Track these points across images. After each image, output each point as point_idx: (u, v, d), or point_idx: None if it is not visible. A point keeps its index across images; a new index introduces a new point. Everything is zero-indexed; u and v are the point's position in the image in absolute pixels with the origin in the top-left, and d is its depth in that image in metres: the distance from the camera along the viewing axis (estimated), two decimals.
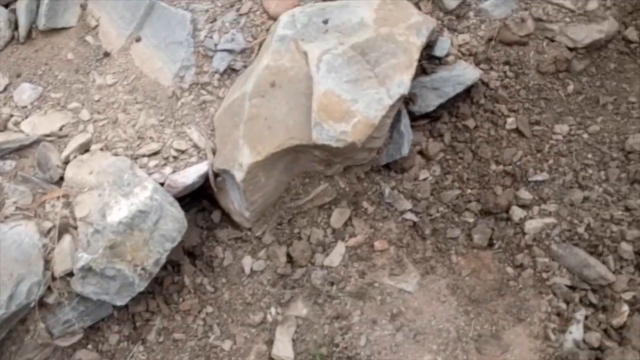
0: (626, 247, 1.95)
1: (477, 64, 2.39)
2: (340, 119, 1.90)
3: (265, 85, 2.03)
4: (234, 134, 2.03)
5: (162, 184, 2.09)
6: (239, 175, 1.98)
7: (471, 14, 2.45)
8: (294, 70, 2.01)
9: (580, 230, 2.07)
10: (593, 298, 1.99)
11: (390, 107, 1.97)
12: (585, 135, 2.32)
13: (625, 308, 1.93)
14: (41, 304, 1.96)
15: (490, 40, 2.43)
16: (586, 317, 1.98)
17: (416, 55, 2.04)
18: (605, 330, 1.97)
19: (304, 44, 2.05)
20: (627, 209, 2.06)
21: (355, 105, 1.92)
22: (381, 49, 2.03)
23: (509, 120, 2.37)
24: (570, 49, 2.38)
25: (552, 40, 2.40)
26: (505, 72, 2.43)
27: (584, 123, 2.35)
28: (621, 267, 1.96)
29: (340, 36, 2.07)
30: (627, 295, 1.94)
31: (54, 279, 1.96)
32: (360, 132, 1.90)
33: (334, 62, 1.99)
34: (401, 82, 1.99)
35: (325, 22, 2.12)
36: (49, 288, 1.97)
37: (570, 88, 2.41)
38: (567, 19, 2.38)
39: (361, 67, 2.00)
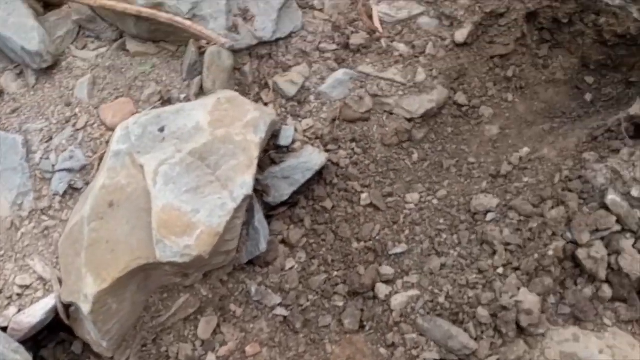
0: (483, 312, 2.01)
1: (325, 146, 2.44)
2: (182, 233, 1.85)
3: (103, 207, 1.94)
4: (77, 262, 1.92)
5: (5, 329, 1.93)
6: (86, 308, 1.86)
7: (312, 98, 2.51)
8: (132, 187, 1.95)
9: (442, 299, 2.11)
10: None
11: (236, 210, 1.94)
12: (435, 201, 2.40)
13: None
14: None
15: (334, 120, 2.50)
16: None
17: (256, 153, 2.04)
18: None
19: (140, 156, 2.00)
20: (480, 271, 2.14)
21: (196, 215, 1.88)
22: (219, 151, 2.02)
23: (363, 195, 2.41)
24: (409, 120, 2.49)
25: (391, 114, 2.50)
26: (353, 149, 2.49)
27: (433, 188, 2.45)
28: (482, 332, 2.01)
29: (178, 143, 2.04)
30: None
31: None
32: (205, 243, 1.85)
33: (171, 173, 1.94)
34: (244, 183, 1.98)
35: (162, 130, 2.09)
36: None
37: (415, 156, 2.51)
38: (401, 92, 2.50)
39: (201, 173, 1.97)
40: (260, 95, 2.50)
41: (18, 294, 2.02)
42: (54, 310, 2.00)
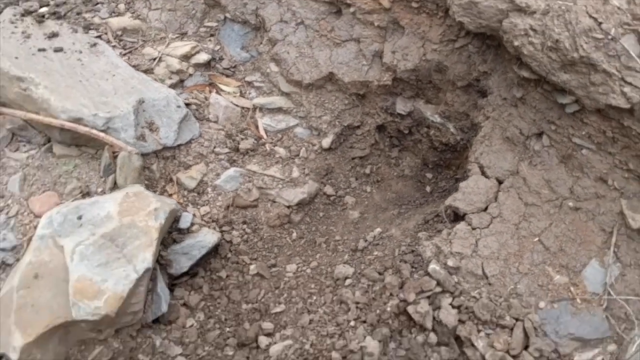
0: (335, 355, 2.57)
1: (221, 227, 3.01)
2: (93, 297, 2.34)
3: (29, 278, 2.42)
4: (7, 322, 2.35)
5: None
6: (14, 356, 2.28)
7: (209, 189, 3.12)
8: (54, 263, 2.44)
9: (307, 346, 2.66)
10: None
11: (138, 280, 2.46)
12: (309, 270, 3.00)
13: None
14: None
15: (228, 207, 3.10)
16: None
17: (155, 235, 2.59)
18: None
19: (61, 239, 2.50)
20: (337, 324, 2.71)
21: (105, 284, 2.39)
22: (126, 234, 2.55)
23: (252, 267, 2.98)
24: (288, 207, 3.13)
25: (274, 202, 3.14)
26: (244, 229, 3.08)
27: (307, 260, 3.05)
28: None
29: (92, 228, 2.56)
30: None
31: None
32: (111, 305, 2.35)
33: (86, 251, 2.46)
34: (144, 259, 2.51)
35: (80, 217, 2.61)
36: None
37: (294, 235, 3.13)
38: (280, 185, 3.15)
39: (111, 251, 2.49)
40: (166, 188, 3.07)
41: None
42: None
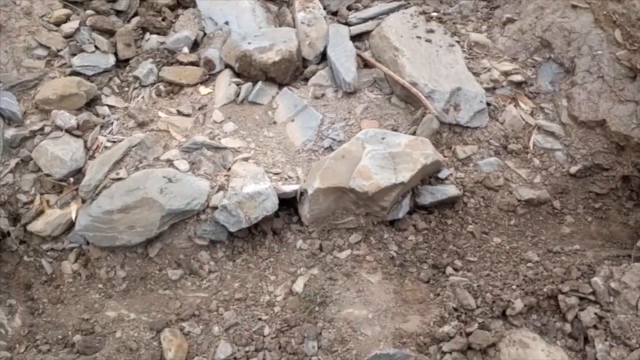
0: (489, 296, 3.49)
1: (464, 191, 4.14)
2: (366, 179, 3.79)
3: (339, 156, 3.99)
4: (315, 174, 3.98)
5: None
6: (310, 191, 3.90)
7: (471, 165, 4.24)
8: (355, 153, 3.95)
9: (475, 285, 3.64)
10: None
11: (394, 185, 3.79)
12: (507, 247, 3.92)
13: None
14: (198, 217, 3.97)
15: (477, 182, 4.19)
16: None
17: (419, 167, 3.88)
18: None
19: (366, 143, 4.00)
20: (505, 284, 3.61)
21: (376, 175, 3.80)
22: (402, 158, 3.91)
23: (470, 226, 4.04)
24: (518, 200, 4.07)
25: (511, 193, 4.10)
26: (479, 201, 4.13)
27: (498, 244, 3.96)
28: None
29: (386, 146, 3.99)
30: None
31: (208, 207, 3.97)
32: (371, 187, 3.75)
33: (375, 155, 3.90)
34: (404, 176, 3.83)
35: (383, 138, 4.07)
36: (203, 211, 3.98)
37: (512, 222, 4.07)
38: (521, 184, 4.10)
39: (388, 162, 3.89)
40: (444, 152, 4.32)
41: (286, 178, 4.14)
42: (295, 191, 4.08)
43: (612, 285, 3.31)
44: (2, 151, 4.21)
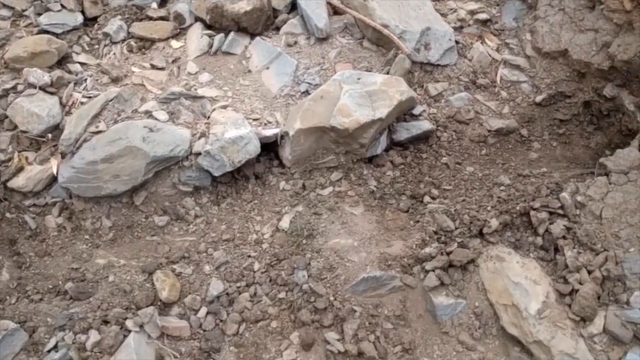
0: (466, 218, 3.70)
1: (437, 125, 4.31)
2: (346, 116, 3.91)
3: (317, 97, 4.10)
4: (295, 115, 4.08)
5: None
6: (291, 133, 4.00)
7: (442, 100, 4.41)
8: (333, 93, 4.07)
9: (452, 209, 3.84)
10: None
11: (373, 121, 3.93)
12: (480, 175, 4.12)
13: None
14: (182, 164, 4.03)
15: (449, 117, 4.36)
16: None
17: (395, 103, 4.01)
18: None
19: (343, 84, 4.11)
20: (480, 206, 3.82)
21: (355, 113, 3.93)
22: (378, 95, 4.04)
23: (444, 159, 4.22)
24: (488, 130, 4.26)
25: (481, 125, 4.29)
26: (452, 135, 4.31)
27: (481, 169, 4.16)
28: None
29: (362, 86, 4.10)
30: None
31: (191, 153, 4.04)
32: (351, 124, 3.88)
33: (353, 94, 4.02)
34: (382, 112, 3.97)
35: (359, 78, 4.18)
36: (186, 157, 4.05)
37: (484, 151, 4.26)
38: (490, 115, 4.28)
39: (366, 100, 4.01)
40: (416, 89, 4.48)
41: (265, 123, 4.24)
42: (275, 135, 4.18)
43: (579, 198, 3.54)
44: None
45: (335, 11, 4.92)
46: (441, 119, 4.33)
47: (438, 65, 4.46)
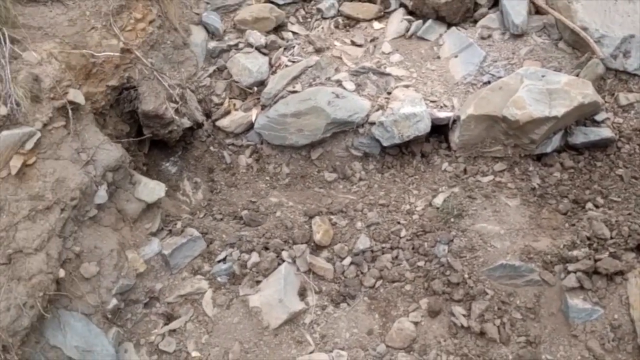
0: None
1: (620, 133, 4.12)
2: (520, 109, 3.96)
3: (496, 89, 4.20)
4: (470, 102, 4.24)
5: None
6: (463, 117, 4.17)
7: (632, 112, 4.21)
8: (512, 86, 4.13)
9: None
10: None
11: (547, 118, 3.93)
12: None
13: None
14: (357, 130, 4.45)
15: (635, 129, 4.15)
16: None
17: (575, 104, 3.95)
18: None
19: (525, 79, 4.15)
20: None
21: (529, 107, 3.96)
22: (559, 94, 4.01)
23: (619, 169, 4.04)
24: None
25: None
26: (639, 144, 4.09)
27: None
28: None
29: (545, 83, 4.10)
30: None
31: (367, 122, 4.43)
32: (523, 117, 3.91)
33: (532, 89, 4.04)
34: (559, 111, 3.93)
35: (543, 76, 4.19)
36: (362, 125, 4.44)
37: None
38: None
39: (544, 97, 4.01)
40: (606, 98, 4.31)
41: (441, 106, 4.44)
42: (448, 118, 4.37)
43: None
44: (204, 59, 5.02)
45: (537, 11, 4.91)
46: (626, 130, 4.14)
47: (635, 75, 4.25)
